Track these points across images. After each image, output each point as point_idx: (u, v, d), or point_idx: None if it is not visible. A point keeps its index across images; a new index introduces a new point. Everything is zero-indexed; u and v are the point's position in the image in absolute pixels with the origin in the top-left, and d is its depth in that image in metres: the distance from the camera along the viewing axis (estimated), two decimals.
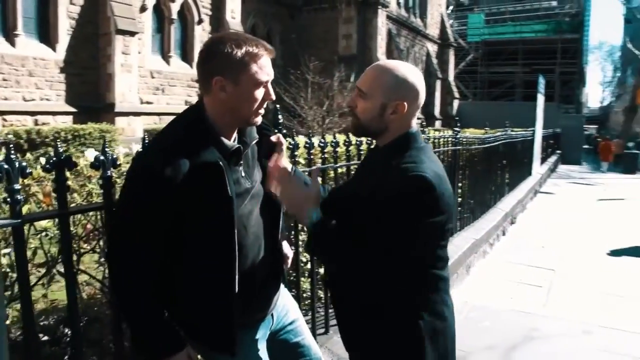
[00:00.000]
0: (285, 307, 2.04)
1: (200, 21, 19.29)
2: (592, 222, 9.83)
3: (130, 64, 15.18)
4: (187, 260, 1.67)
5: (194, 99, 19.02)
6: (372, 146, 1.98)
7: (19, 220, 1.52)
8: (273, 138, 1.91)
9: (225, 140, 1.69)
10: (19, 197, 1.54)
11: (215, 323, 1.72)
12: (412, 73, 1.69)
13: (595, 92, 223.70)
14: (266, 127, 1.91)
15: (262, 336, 1.90)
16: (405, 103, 1.66)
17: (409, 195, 1.55)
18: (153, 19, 17.73)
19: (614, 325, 4.64)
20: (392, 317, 1.70)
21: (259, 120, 1.74)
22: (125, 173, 1.94)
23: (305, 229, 3.12)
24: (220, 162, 1.60)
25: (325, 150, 3.12)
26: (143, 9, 16.90)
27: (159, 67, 17.78)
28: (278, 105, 2.95)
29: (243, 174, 1.75)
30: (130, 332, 1.74)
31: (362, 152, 3.54)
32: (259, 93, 1.67)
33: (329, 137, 3.25)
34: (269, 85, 1.70)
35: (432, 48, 35.35)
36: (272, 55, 1.69)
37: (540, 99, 14.41)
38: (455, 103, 34.88)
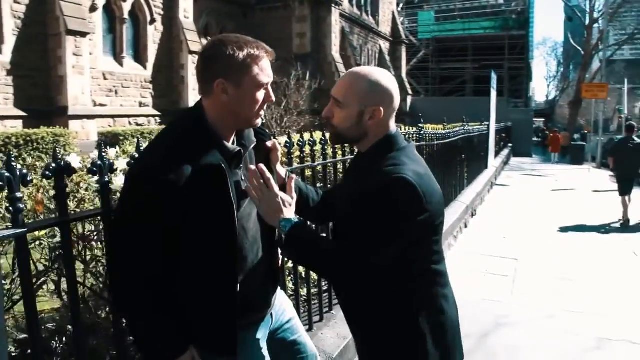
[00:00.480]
0: (282, 306, 2.06)
1: (152, 21, 18.96)
2: (547, 212, 10.21)
3: (82, 65, 14.78)
4: (188, 263, 1.67)
5: (148, 101, 18.70)
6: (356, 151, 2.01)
7: (24, 230, 1.49)
8: (269, 143, 1.93)
9: (227, 143, 1.69)
10: (21, 205, 1.51)
11: (216, 325, 1.72)
12: (385, 77, 1.72)
13: (541, 87, 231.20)
14: (262, 132, 1.92)
15: (262, 336, 1.92)
16: (382, 107, 1.69)
17: (391, 198, 1.58)
18: (104, 19, 17.34)
19: (573, 309, 4.89)
20: (392, 316, 1.73)
21: (259, 122, 1.76)
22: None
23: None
24: (223, 165, 1.60)
25: (304, 150, 3.15)
26: (93, 8, 16.48)
27: (112, 69, 17.38)
28: None
29: (243, 177, 1.76)
30: (134, 336, 1.72)
31: (339, 150, 3.59)
32: (260, 95, 1.68)
33: (297, 136, 3.28)
34: (269, 87, 1.72)
35: (385, 45, 35.82)
36: (272, 57, 1.70)
37: (493, 95, 14.80)
38: (409, 99, 35.44)
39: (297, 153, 3.27)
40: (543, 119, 56.15)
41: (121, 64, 17.90)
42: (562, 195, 12.87)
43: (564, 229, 8.65)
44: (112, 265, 1.66)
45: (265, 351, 1.90)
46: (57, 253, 2.01)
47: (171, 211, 1.55)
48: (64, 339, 2.08)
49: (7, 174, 1.48)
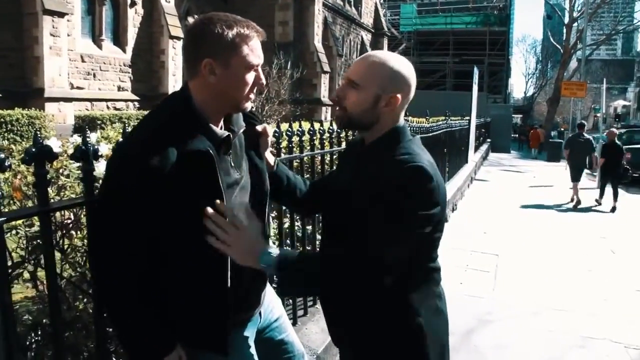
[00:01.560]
0: (271, 304, 1.98)
1: (133, 3, 18.55)
2: (526, 208, 10.29)
3: (59, 46, 14.36)
4: (176, 254, 1.57)
5: (127, 85, 18.36)
6: (350, 139, 1.91)
7: (2, 219, 1.37)
8: (259, 128, 1.83)
9: (215, 128, 1.59)
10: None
11: (207, 321, 1.63)
12: (406, 66, 1.64)
13: (519, 83, 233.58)
14: (252, 117, 1.82)
15: (251, 335, 1.83)
16: (399, 95, 1.61)
17: (408, 187, 1.50)
18: None
19: (556, 306, 4.91)
20: (388, 315, 1.65)
21: (249, 106, 1.65)
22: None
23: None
24: (211, 151, 1.50)
25: (292, 140, 3.07)
26: None
27: (90, 51, 16.98)
28: None
29: (232, 164, 1.66)
30: (118, 333, 1.63)
31: (327, 142, 3.51)
32: (250, 77, 1.58)
33: (283, 126, 3.19)
34: (260, 69, 1.61)
35: (367, 37, 35.74)
36: (262, 37, 1.60)
37: (475, 90, 14.84)
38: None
39: (285, 143, 3.18)
40: (521, 115, 56.73)
41: (100, 47, 17.49)
42: (540, 192, 12.98)
43: (542, 226, 8.72)
44: (94, 255, 1.56)
45: (253, 350, 1.82)
46: (35, 243, 1.90)
47: (155, 198, 1.45)
48: (39, 332, 1.97)
49: None
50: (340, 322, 1.78)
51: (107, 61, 17.53)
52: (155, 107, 1.67)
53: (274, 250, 1.52)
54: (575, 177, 11.29)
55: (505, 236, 7.70)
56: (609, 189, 11.14)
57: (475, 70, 15.21)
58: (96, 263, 1.56)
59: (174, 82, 19.44)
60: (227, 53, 1.51)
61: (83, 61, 16.56)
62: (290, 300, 3.28)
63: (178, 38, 19.53)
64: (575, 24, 33.01)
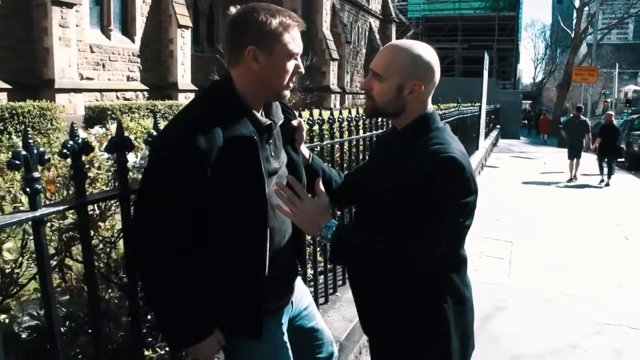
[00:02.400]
0: (300, 293, 2.01)
1: None
2: (538, 195, 10.27)
3: (68, 37, 14.41)
4: (216, 244, 1.60)
5: (136, 75, 18.39)
6: (382, 131, 1.94)
7: (42, 213, 1.40)
8: (294, 122, 1.86)
9: (258, 115, 1.63)
10: (38, 186, 1.42)
11: (243, 306, 1.66)
12: (427, 52, 1.66)
13: (528, 69, 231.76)
14: (287, 111, 1.86)
15: (285, 322, 1.87)
16: (422, 83, 1.64)
17: (442, 179, 1.52)
18: None
19: (570, 292, 4.92)
20: (416, 300, 1.69)
21: (288, 94, 1.69)
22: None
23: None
24: (255, 137, 1.54)
25: (313, 128, 3.10)
26: None
27: (99, 41, 17.04)
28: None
29: (272, 154, 1.70)
30: (158, 318, 1.66)
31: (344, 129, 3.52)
32: (291, 65, 1.62)
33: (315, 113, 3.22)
34: (299, 58, 1.66)
35: (375, 23, 35.54)
36: (302, 27, 1.65)
37: (486, 76, 14.76)
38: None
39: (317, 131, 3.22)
40: (530, 101, 56.35)
41: (108, 37, 17.53)
42: (551, 178, 12.93)
43: (555, 212, 8.71)
44: (137, 242, 1.57)
45: (286, 337, 1.86)
46: (69, 235, 1.93)
47: (202, 182, 1.48)
48: (73, 324, 2.00)
49: (24, 152, 1.38)
50: (371, 309, 1.81)
51: (116, 51, 17.57)
52: (200, 93, 1.71)
53: (334, 225, 1.62)
54: (572, 155, 12.44)
55: (518, 223, 7.69)
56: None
57: (486, 56, 15.12)
58: (137, 248, 1.58)
59: (183, 71, 19.46)
60: (270, 41, 1.56)
61: (92, 52, 16.61)
62: (312, 289, 3.31)
63: (186, 27, 19.54)
64: (586, 8, 32.64)
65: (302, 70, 1.68)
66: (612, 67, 43.06)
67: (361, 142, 3.85)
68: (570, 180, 12.13)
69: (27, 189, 1.41)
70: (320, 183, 1.74)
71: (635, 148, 16.79)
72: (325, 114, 3.30)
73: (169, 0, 19.07)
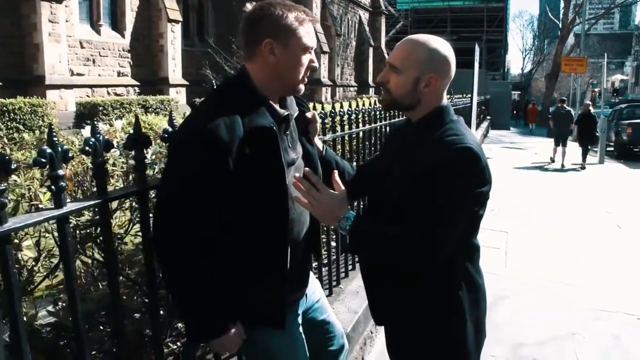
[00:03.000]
0: (312, 286, 2.03)
1: None
2: (530, 184, 10.37)
3: (58, 33, 14.24)
4: (238, 235, 1.63)
5: (127, 70, 18.27)
6: (393, 126, 1.97)
7: (66, 211, 1.42)
8: (308, 114, 1.90)
9: (276, 106, 1.67)
10: (63, 184, 1.44)
11: (266, 297, 1.69)
12: (443, 46, 1.70)
13: (516, 60, 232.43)
14: (301, 103, 1.89)
15: (300, 314, 1.90)
16: (438, 76, 1.68)
17: (458, 168, 1.56)
18: None
19: (567, 280, 5.01)
20: (431, 288, 1.73)
21: (303, 88, 1.73)
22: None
23: None
24: (274, 127, 1.57)
25: (326, 121, 3.15)
26: None
27: (89, 37, 16.87)
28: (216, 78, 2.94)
29: (290, 145, 1.73)
30: (181, 311, 1.69)
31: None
32: (306, 59, 1.67)
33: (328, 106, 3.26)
34: (313, 53, 1.70)
35: (364, 15, 35.49)
36: (316, 23, 1.71)
37: (476, 67, 14.80)
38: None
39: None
40: (519, 92, 56.57)
41: (98, 32, 17.36)
42: (543, 167, 13.07)
43: (548, 202, 8.81)
44: (159, 235, 1.59)
45: (301, 329, 1.89)
46: (87, 232, 1.95)
47: (223, 172, 1.51)
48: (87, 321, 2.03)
49: (49, 150, 1.40)
50: (387, 300, 1.84)
51: (106, 47, 17.43)
52: (218, 87, 1.75)
53: (352, 216, 1.67)
54: (558, 142, 13.96)
55: (512, 213, 7.77)
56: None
57: (476, 47, 15.15)
58: (161, 240, 1.59)
59: (174, 65, 19.33)
60: (286, 34, 1.60)
61: (82, 47, 16.46)
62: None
63: (176, 21, 19.40)
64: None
65: (316, 64, 1.72)
66: (599, 57, 43.28)
67: (372, 133, 4.03)
68: (552, 160, 14.05)
69: (52, 187, 1.43)
70: (337, 175, 1.77)
71: (624, 137, 16.96)
72: (327, 107, 3.34)
73: None
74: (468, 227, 1.73)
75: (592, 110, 14.64)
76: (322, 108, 3.31)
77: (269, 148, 1.56)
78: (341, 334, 2.12)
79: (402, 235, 1.59)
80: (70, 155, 1.47)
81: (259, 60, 1.63)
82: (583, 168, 13.18)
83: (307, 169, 1.69)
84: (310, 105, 3.52)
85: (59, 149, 1.43)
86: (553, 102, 43.02)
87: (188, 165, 1.52)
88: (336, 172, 1.79)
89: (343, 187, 1.76)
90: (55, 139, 1.43)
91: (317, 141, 2.00)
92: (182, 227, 1.54)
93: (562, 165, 13.25)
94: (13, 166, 1.29)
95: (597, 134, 14.46)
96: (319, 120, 1.95)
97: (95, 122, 1.89)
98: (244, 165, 1.53)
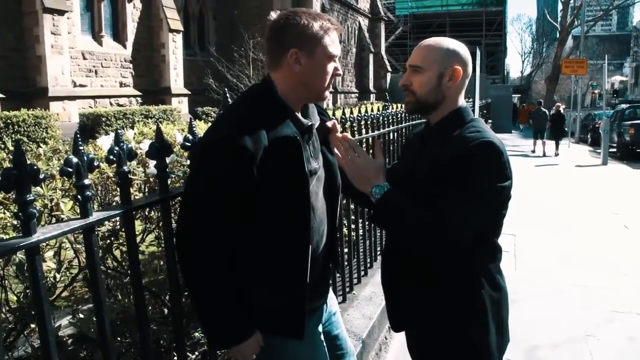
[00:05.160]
0: (331, 299, 2.02)
1: None
2: (535, 188, 10.36)
3: (61, 45, 14.28)
4: (259, 241, 1.62)
5: (129, 80, 18.31)
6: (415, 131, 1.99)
7: (93, 220, 1.42)
8: (329, 123, 1.89)
9: (299, 116, 1.67)
10: (89, 193, 1.44)
11: (286, 307, 1.67)
12: (459, 45, 1.77)
13: (515, 63, 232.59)
14: (322, 112, 1.89)
15: (320, 324, 1.89)
16: (460, 68, 1.72)
17: (481, 161, 1.59)
18: None
19: (578, 282, 4.99)
20: (453, 288, 1.72)
21: (327, 95, 1.74)
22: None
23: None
24: (298, 137, 1.58)
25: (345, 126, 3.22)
26: None
27: (91, 48, 16.92)
28: (226, 88, 2.96)
29: (312, 154, 1.73)
30: (201, 319, 1.67)
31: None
32: (331, 67, 1.67)
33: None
34: (337, 61, 1.70)
35: (364, 22, 35.56)
36: (340, 31, 1.72)
37: (478, 72, 14.82)
38: (388, 76, 35.43)
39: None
40: (519, 95, 56.60)
41: (100, 43, 17.42)
42: (547, 170, 13.06)
43: (552, 204, 8.80)
44: (182, 243, 1.58)
45: (322, 338, 1.87)
46: (107, 243, 1.95)
47: (249, 181, 1.51)
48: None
49: (75, 160, 1.40)
50: (408, 302, 1.83)
51: (108, 57, 17.47)
52: (242, 95, 1.77)
53: (387, 186, 1.70)
54: (536, 136, 17.76)
55: (519, 216, 7.69)
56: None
57: (478, 52, 15.18)
58: (184, 248, 1.58)
59: (175, 75, 19.37)
60: (311, 43, 1.61)
61: (84, 58, 16.51)
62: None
63: (177, 31, 19.46)
64: (572, 1, 32.85)
65: (341, 72, 1.72)
66: (598, 59, 43.38)
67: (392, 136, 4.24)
68: (533, 151, 17.51)
69: (79, 196, 1.43)
70: (381, 145, 1.88)
71: (627, 138, 16.93)
72: (338, 113, 3.36)
73: (160, 5, 18.99)
74: (490, 225, 1.73)
75: (561, 110, 18.20)
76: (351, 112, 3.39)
77: (292, 158, 1.56)
78: (352, 353, 2.08)
79: (429, 214, 1.59)
80: (95, 164, 1.48)
81: (284, 70, 1.63)
82: (557, 155, 16.57)
83: (344, 133, 1.75)
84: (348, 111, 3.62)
85: (85, 158, 1.43)
86: (553, 104, 43.10)
87: (213, 170, 1.51)
88: (381, 141, 1.83)
89: (383, 157, 1.81)
90: (81, 148, 1.43)
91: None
92: (206, 233, 1.53)
93: (543, 153, 16.71)
94: (41, 176, 1.30)
95: (565, 129, 18.58)
96: (340, 129, 1.95)
97: (106, 133, 1.90)
98: (267, 175, 1.52)
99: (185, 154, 2.05)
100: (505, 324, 1.85)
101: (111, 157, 1.54)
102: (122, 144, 1.56)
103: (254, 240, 1.62)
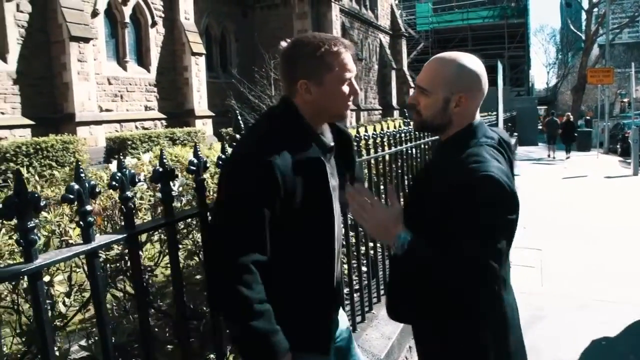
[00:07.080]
0: (342, 316, 1.99)
1: (154, 24, 18.90)
2: (562, 201, 10.14)
3: (87, 71, 14.70)
4: (287, 258, 1.61)
5: (154, 104, 18.66)
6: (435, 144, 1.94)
7: (95, 245, 1.43)
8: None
9: (322, 137, 1.68)
10: (91, 219, 1.45)
11: (314, 324, 1.68)
12: (472, 62, 1.64)
13: (540, 74, 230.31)
14: (341, 128, 1.89)
15: (335, 337, 1.87)
16: (468, 95, 1.63)
17: (479, 197, 1.48)
18: (105, 24, 17.29)
19: (606, 298, 4.83)
20: (459, 321, 1.66)
21: (347, 114, 1.75)
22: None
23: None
24: (322, 158, 1.59)
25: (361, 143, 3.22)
26: (95, 14, 16.43)
27: (116, 73, 17.34)
28: (238, 111, 2.97)
29: (331, 172, 1.72)
30: (235, 338, 1.65)
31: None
32: (345, 89, 1.67)
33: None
34: (354, 80, 1.69)
35: (385, 39, 35.73)
36: (351, 51, 1.68)
37: (500, 84, 14.70)
38: (412, 92, 35.35)
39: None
40: (545, 107, 55.88)
41: (125, 68, 17.84)
42: (575, 182, 12.79)
43: (580, 217, 8.58)
44: (215, 263, 1.56)
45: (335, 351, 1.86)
46: (117, 265, 1.96)
47: (277, 196, 1.51)
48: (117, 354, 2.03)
49: (76, 186, 1.42)
50: (435, 334, 1.75)
51: (132, 82, 17.87)
52: (265, 114, 1.79)
53: (409, 236, 1.56)
54: (550, 142, 20.38)
55: (545, 230, 7.59)
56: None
57: (499, 64, 15.08)
58: (217, 267, 1.56)
59: (199, 97, 19.69)
60: (320, 72, 1.61)
61: (110, 84, 16.91)
62: (348, 307, 3.30)
63: (200, 54, 19.83)
64: (596, 9, 32.49)
65: (358, 90, 1.72)
66: (625, 67, 42.64)
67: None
68: (548, 156, 19.61)
69: (81, 222, 1.44)
70: (393, 189, 1.78)
71: None
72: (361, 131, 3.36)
73: (182, 29, 19.40)
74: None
75: (571, 119, 21.10)
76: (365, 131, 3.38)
77: (317, 179, 1.58)
78: None
79: (450, 260, 1.49)
80: (97, 190, 1.49)
81: (298, 98, 1.65)
82: (568, 158, 18.91)
83: (357, 183, 1.71)
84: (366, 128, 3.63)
85: (87, 185, 1.44)
86: (581, 114, 42.48)
87: (244, 184, 1.52)
88: (393, 187, 1.77)
89: (399, 203, 1.69)
90: (82, 174, 1.45)
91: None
92: (234, 253, 1.51)
93: (554, 157, 19.15)
94: (42, 203, 1.31)
95: (575, 135, 21.08)
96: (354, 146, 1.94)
97: (122, 157, 1.93)
98: (293, 194, 1.54)
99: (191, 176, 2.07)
100: (510, 350, 1.75)
101: (114, 183, 1.55)
102: (124, 169, 1.57)
103: (281, 255, 1.60)
